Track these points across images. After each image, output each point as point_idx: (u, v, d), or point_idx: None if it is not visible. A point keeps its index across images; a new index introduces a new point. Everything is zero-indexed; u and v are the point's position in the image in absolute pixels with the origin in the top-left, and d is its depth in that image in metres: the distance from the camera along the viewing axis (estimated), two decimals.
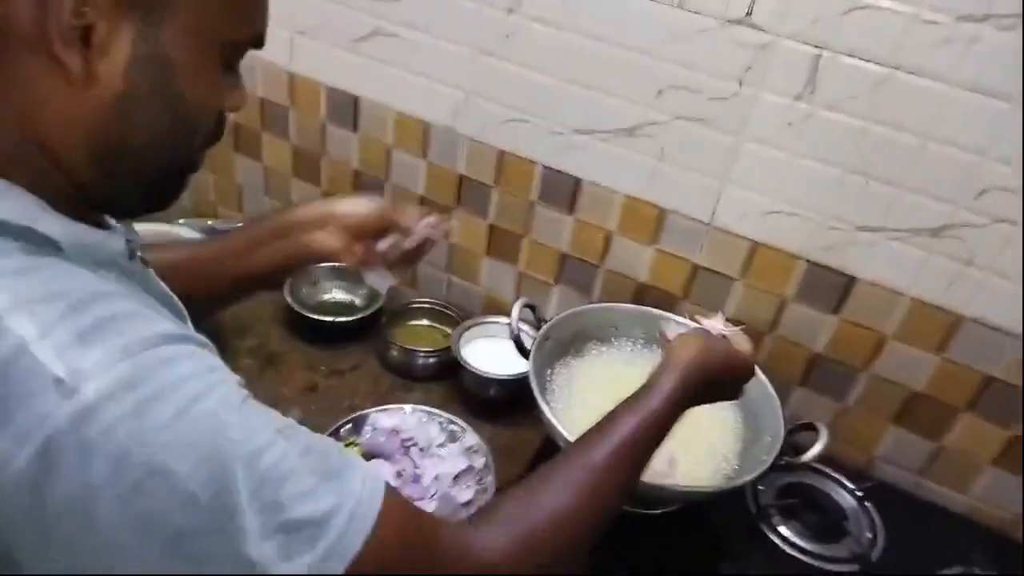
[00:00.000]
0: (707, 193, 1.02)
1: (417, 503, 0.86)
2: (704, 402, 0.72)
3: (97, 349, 0.37)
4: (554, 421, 0.87)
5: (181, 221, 1.43)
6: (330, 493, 0.43)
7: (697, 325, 0.79)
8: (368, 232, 0.81)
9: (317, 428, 1.07)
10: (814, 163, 0.93)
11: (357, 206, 0.81)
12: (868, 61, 0.85)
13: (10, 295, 0.38)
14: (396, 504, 0.47)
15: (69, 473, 0.36)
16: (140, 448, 0.37)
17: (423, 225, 0.83)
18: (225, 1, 0.46)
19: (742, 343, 0.77)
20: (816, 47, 0.87)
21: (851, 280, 0.98)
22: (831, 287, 1.00)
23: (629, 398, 0.66)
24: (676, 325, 0.88)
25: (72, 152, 0.44)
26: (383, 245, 0.82)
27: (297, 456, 0.43)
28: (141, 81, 0.44)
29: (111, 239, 0.50)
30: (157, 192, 0.51)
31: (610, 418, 0.64)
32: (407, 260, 0.84)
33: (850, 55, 0.86)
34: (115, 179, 0.47)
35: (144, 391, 0.38)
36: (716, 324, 0.78)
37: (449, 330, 1.30)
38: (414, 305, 1.33)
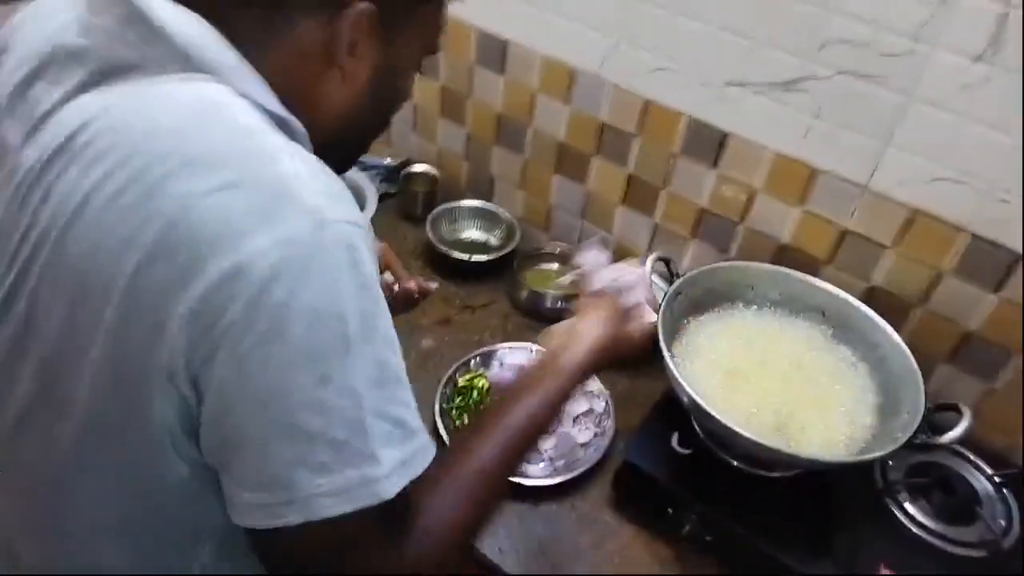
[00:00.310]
0: (866, 154, 0.97)
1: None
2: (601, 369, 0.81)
3: (341, 206, 0.50)
4: (679, 377, 0.88)
5: None
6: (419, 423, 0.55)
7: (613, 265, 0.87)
8: None
9: (449, 359, 1.16)
10: (988, 130, 0.87)
11: None
12: None
13: (285, 144, 0.51)
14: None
15: (291, 282, 0.46)
16: (343, 291, 0.48)
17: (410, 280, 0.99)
18: (436, 22, 0.62)
19: (648, 315, 0.85)
20: (1003, 4, 0.80)
21: (1017, 257, 0.92)
22: (994, 263, 0.93)
23: (533, 376, 0.74)
24: (594, 256, 0.90)
25: (322, 123, 0.58)
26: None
27: (401, 371, 0.54)
28: (379, 82, 0.59)
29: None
30: (358, 156, 0.69)
31: (512, 398, 0.71)
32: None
33: None
34: (334, 151, 0.59)
35: (353, 255, 0.49)
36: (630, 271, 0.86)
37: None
38: (546, 249, 1.37)
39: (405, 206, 1.46)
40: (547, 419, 0.72)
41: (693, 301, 1.04)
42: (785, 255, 1.11)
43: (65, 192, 0.49)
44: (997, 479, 0.99)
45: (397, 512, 0.53)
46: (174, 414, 0.50)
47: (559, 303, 1.25)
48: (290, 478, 0.48)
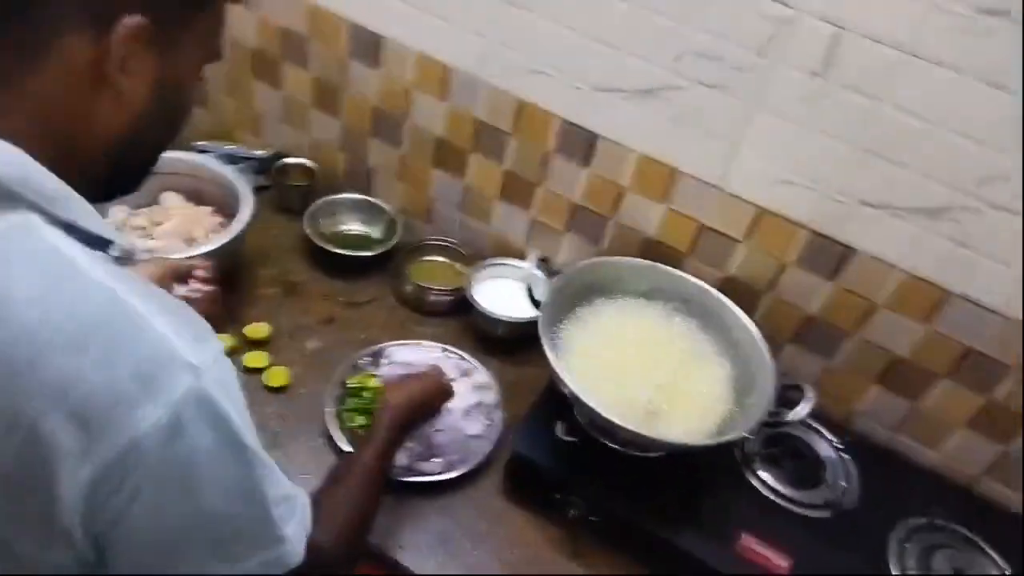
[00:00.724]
0: (719, 158, 1.05)
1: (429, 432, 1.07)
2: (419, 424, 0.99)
3: (206, 347, 0.52)
4: (558, 371, 0.94)
5: (201, 143, 1.45)
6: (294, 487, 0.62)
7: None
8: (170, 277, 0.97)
9: (337, 358, 1.17)
10: (825, 138, 0.96)
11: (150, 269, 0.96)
12: (885, 44, 0.87)
13: (139, 301, 0.50)
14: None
15: (192, 431, 0.49)
16: (232, 419, 0.52)
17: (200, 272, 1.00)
18: (214, 29, 0.59)
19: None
20: (837, 26, 0.88)
21: (849, 251, 1.03)
22: (830, 255, 1.04)
23: (366, 444, 0.88)
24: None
25: (95, 152, 0.55)
26: (181, 290, 0.98)
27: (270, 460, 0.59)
28: (159, 96, 0.56)
29: (131, 242, 0.60)
30: (135, 184, 0.63)
31: (354, 458, 0.87)
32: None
33: (869, 37, 0.87)
34: (122, 171, 0.59)
35: (229, 387, 0.53)
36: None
37: (461, 267, 1.35)
38: (429, 241, 1.38)
39: (280, 200, 1.43)
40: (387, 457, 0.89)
41: (569, 296, 1.09)
42: (652, 248, 1.18)
43: None
44: (839, 445, 1.11)
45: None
46: (68, 556, 0.52)
47: (443, 296, 1.28)
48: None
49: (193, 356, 0.49)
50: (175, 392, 0.48)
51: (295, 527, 0.59)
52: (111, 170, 0.56)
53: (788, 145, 0.99)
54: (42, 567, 0.53)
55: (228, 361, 0.54)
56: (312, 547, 0.62)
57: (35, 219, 0.50)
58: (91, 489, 0.48)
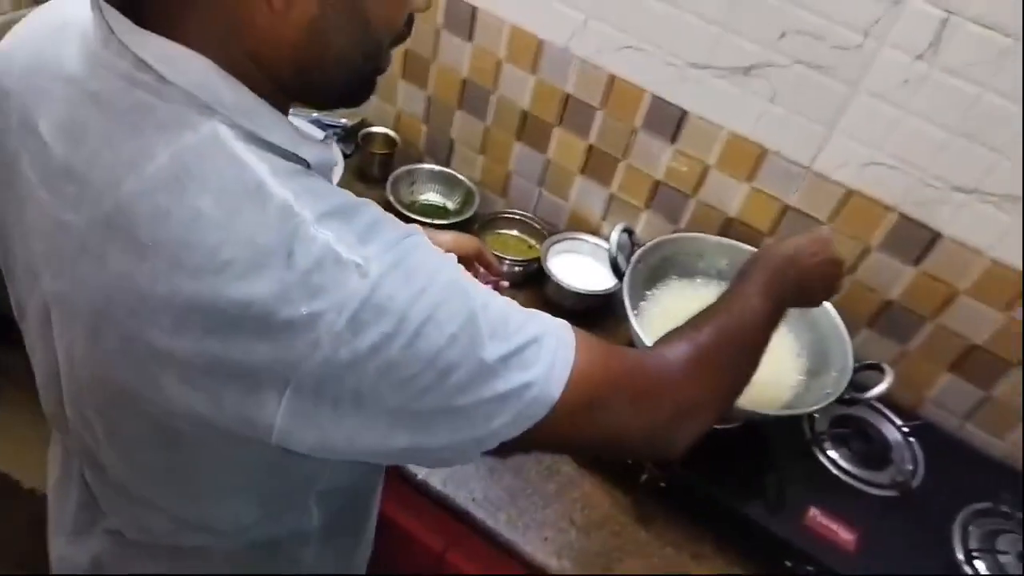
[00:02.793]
0: (812, 138, 1.07)
1: None
2: (796, 298, 0.80)
3: (372, 245, 0.50)
4: (641, 336, 0.97)
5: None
6: (535, 325, 0.55)
7: None
8: (460, 261, 0.97)
9: None
10: (922, 122, 0.98)
11: (449, 236, 1.00)
12: (993, 30, 0.89)
13: (311, 211, 0.49)
14: (584, 334, 0.59)
15: (370, 328, 0.48)
16: (413, 307, 0.49)
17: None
18: None
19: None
20: (946, 10, 0.90)
21: (936, 236, 1.04)
22: (916, 240, 1.06)
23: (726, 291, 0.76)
24: None
25: (277, 64, 0.53)
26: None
27: (505, 304, 0.56)
28: (332, 5, 0.51)
29: (329, 153, 0.59)
30: (350, 93, 0.60)
31: (717, 304, 0.74)
32: None
33: (977, 22, 0.89)
34: (313, 86, 0.56)
35: (406, 268, 0.50)
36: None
37: (534, 242, 1.38)
38: (504, 215, 1.41)
39: (362, 167, 1.47)
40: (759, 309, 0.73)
41: (651, 268, 1.12)
42: (731, 227, 1.21)
43: (100, 275, 0.50)
44: (905, 429, 1.13)
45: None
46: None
47: (516, 267, 1.31)
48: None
49: (358, 256, 0.48)
50: (342, 295, 0.47)
51: (542, 368, 0.54)
52: (307, 84, 0.55)
53: (884, 128, 1.01)
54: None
55: (404, 242, 0.51)
56: (590, 391, 0.57)
57: (224, 131, 0.50)
58: (290, 403, 0.49)
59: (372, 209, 0.53)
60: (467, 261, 1.01)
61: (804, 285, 0.80)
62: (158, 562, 0.72)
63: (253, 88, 0.52)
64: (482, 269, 1.04)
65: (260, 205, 0.48)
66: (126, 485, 0.65)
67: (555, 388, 0.54)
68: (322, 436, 0.51)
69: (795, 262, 0.78)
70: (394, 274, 0.49)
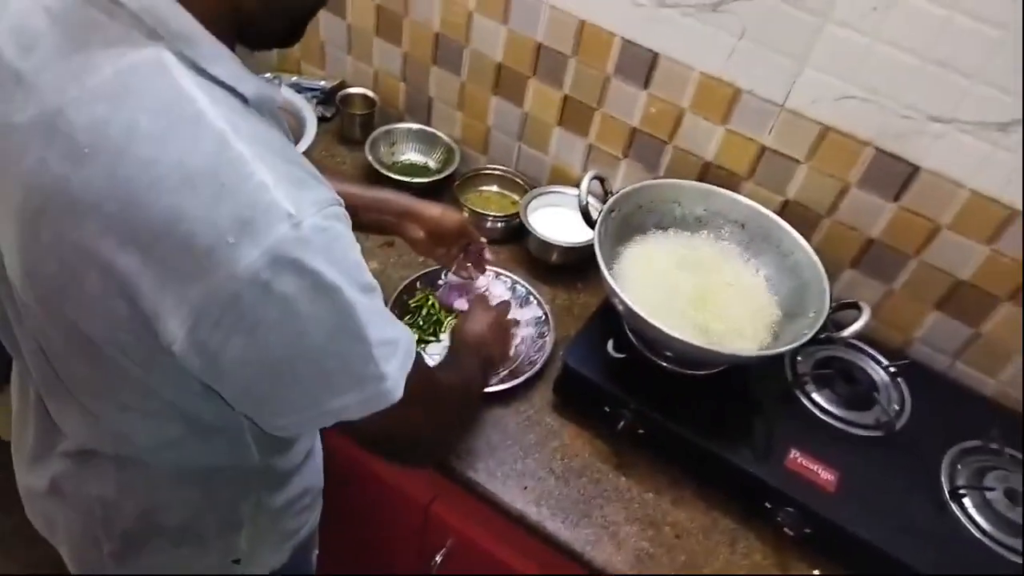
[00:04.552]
0: (784, 75, 1.04)
1: None
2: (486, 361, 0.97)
3: (305, 199, 0.52)
4: (614, 286, 0.95)
5: (268, 75, 1.50)
6: (400, 330, 0.63)
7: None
8: (445, 237, 1.06)
9: (395, 280, 1.20)
10: (893, 49, 0.94)
11: (436, 210, 1.04)
12: None
13: (248, 148, 0.51)
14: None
15: (286, 278, 0.50)
16: (329, 271, 0.52)
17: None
18: None
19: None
20: None
21: (915, 169, 1.01)
22: (895, 175, 1.03)
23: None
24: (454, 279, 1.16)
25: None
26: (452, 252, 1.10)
27: (381, 301, 0.61)
28: None
29: (274, 91, 0.60)
30: (295, 29, 0.62)
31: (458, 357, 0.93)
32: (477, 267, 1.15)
33: None
34: (272, 14, 0.58)
35: (331, 234, 0.53)
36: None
37: (517, 197, 1.37)
38: (485, 171, 1.40)
39: (342, 129, 1.47)
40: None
41: (625, 217, 1.10)
42: (710, 172, 1.18)
43: (44, 180, 0.52)
44: (892, 369, 1.11)
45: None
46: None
47: (498, 223, 1.30)
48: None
49: (292, 205, 0.50)
50: (270, 238, 0.49)
51: (395, 366, 0.61)
52: (269, 11, 0.57)
53: (855, 59, 0.97)
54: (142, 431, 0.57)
55: (333, 208, 0.54)
56: (411, 399, 0.63)
57: (168, 57, 0.51)
58: (192, 325, 0.50)
59: (306, 164, 0.56)
60: (450, 236, 1.06)
61: (494, 354, 1.01)
62: (105, 480, 0.74)
63: (200, 18, 0.53)
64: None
65: (195, 130, 0.50)
66: (73, 394, 0.68)
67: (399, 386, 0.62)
68: (207, 364, 0.53)
69: (482, 338, 0.98)
70: (320, 237, 0.51)
